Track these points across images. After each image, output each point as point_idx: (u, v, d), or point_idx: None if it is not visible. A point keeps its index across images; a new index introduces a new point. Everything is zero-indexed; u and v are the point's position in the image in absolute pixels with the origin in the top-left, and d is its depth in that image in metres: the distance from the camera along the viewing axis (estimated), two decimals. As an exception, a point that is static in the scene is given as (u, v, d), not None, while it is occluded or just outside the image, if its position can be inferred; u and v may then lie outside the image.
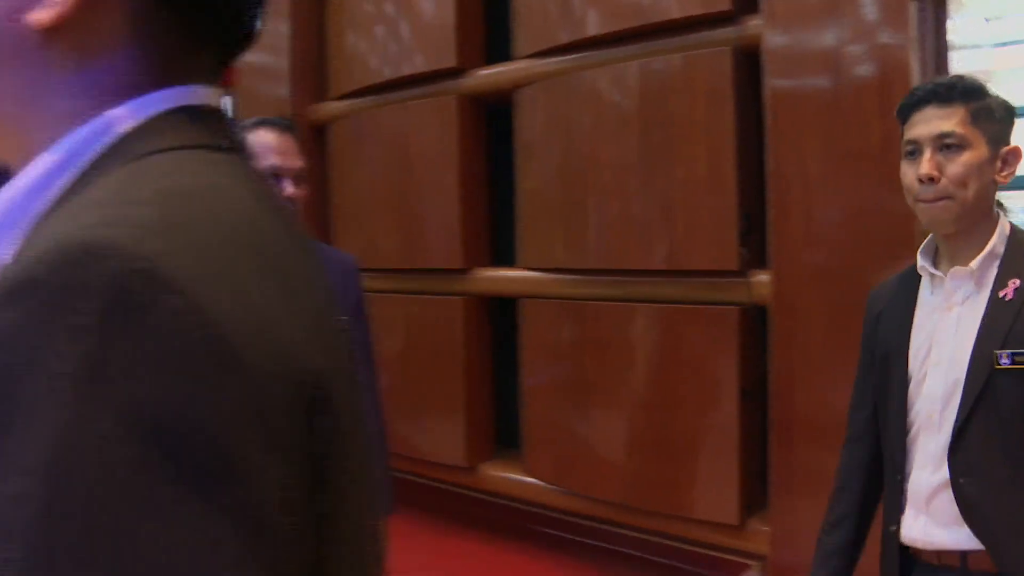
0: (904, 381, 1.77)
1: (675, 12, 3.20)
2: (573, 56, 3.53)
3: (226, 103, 0.72)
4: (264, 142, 2.23)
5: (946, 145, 1.67)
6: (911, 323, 1.78)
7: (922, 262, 1.77)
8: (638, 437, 3.35)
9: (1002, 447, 1.61)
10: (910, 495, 1.74)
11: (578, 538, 3.77)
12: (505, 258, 3.92)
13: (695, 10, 3.15)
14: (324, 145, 4.53)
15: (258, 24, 0.73)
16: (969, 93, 1.70)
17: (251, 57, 4.80)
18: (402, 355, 4.01)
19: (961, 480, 1.64)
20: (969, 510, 1.64)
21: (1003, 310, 1.64)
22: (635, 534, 3.53)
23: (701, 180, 3.12)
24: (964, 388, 1.64)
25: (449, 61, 3.92)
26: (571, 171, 3.51)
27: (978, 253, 1.70)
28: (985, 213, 1.71)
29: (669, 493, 3.27)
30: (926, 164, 1.67)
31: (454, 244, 3.91)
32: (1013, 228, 1.73)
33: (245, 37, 0.73)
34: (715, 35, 3.13)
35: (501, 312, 4.01)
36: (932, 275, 1.76)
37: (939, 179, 1.66)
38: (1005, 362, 1.60)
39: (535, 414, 3.72)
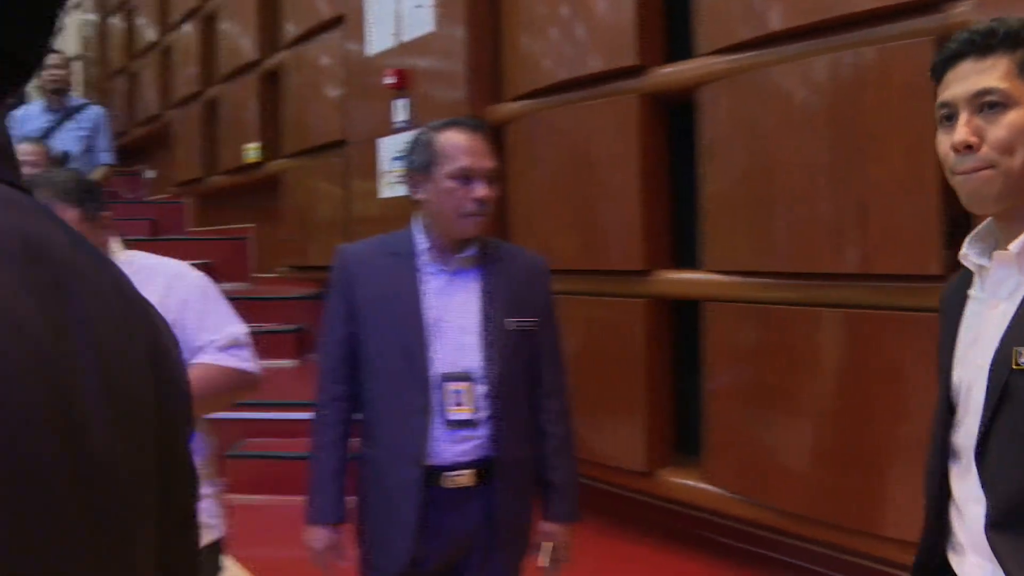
0: (945, 394, 1.50)
1: (867, 3, 3.04)
2: (758, 52, 3.42)
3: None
4: (455, 143, 2.23)
5: (987, 104, 1.36)
6: (957, 326, 1.51)
7: (966, 250, 1.48)
8: (825, 447, 3.21)
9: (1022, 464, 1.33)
10: (969, 533, 1.46)
11: (757, 549, 3.65)
12: (687, 260, 3.83)
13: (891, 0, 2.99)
14: (500, 146, 4.54)
15: (38, 56, 0.69)
16: (1015, 39, 1.39)
17: (427, 62, 4.87)
18: (579, 357, 3.97)
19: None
20: (992, 541, 1.36)
21: None
22: (818, 549, 3.39)
23: (898, 179, 2.96)
24: (986, 393, 1.36)
25: (628, 60, 3.86)
26: (757, 171, 3.40)
27: None
28: None
29: (857, 507, 3.12)
30: (962, 129, 1.37)
31: (634, 245, 3.85)
32: None
33: (19, 69, 0.69)
34: (914, 25, 2.96)
35: (682, 314, 3.92)
36: (979, 266, 1.46)
37: (979, 146, 1.36)
38: None
39: (716, 420, 3.62)
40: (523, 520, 2.35)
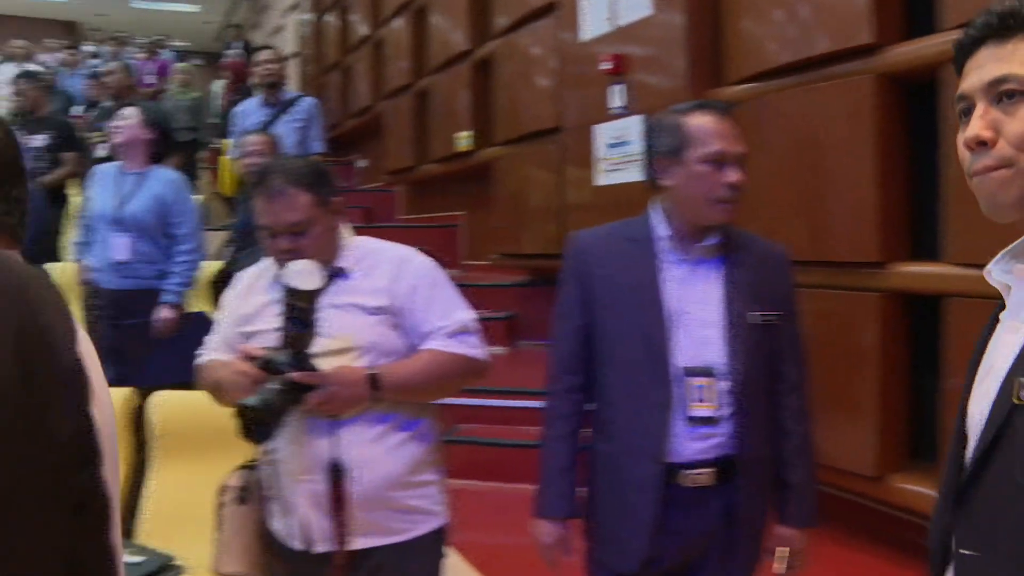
0: (960, 432, 1.27)
1: None
2: (1010, 25, 3.14)
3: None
4: (706, 126, 2.14)
5: (1005, 94, 1.14)
6: (982, 353, 1.27)
7: (991, 266, 1.25)
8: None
9: (1019, 515, 1.10)
10: None
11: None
12: (927, 251, 3.57)
13: None
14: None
15: None
16: None
17: (644, 47, 4.78)
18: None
19: (963, 551, 1.18)
20: None
21: None
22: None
23: None
24: (982, 429, 1.16)
25: (862, 38, 3.64)
26: (1009, 155, 3.12)
27: None
28: None
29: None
30: (975, 123, 1.15)
31: (868, 235, 3.62)
32: None
33: None
34: None
35: (920, 310, 3.68)
36: (1004, 285, 1.23)
37: (994, 141, 1.14)
38: None
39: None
40: (761, 522, 2.24)
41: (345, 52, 10.65)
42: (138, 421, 3.43)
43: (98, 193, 4.55)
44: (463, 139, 7.09)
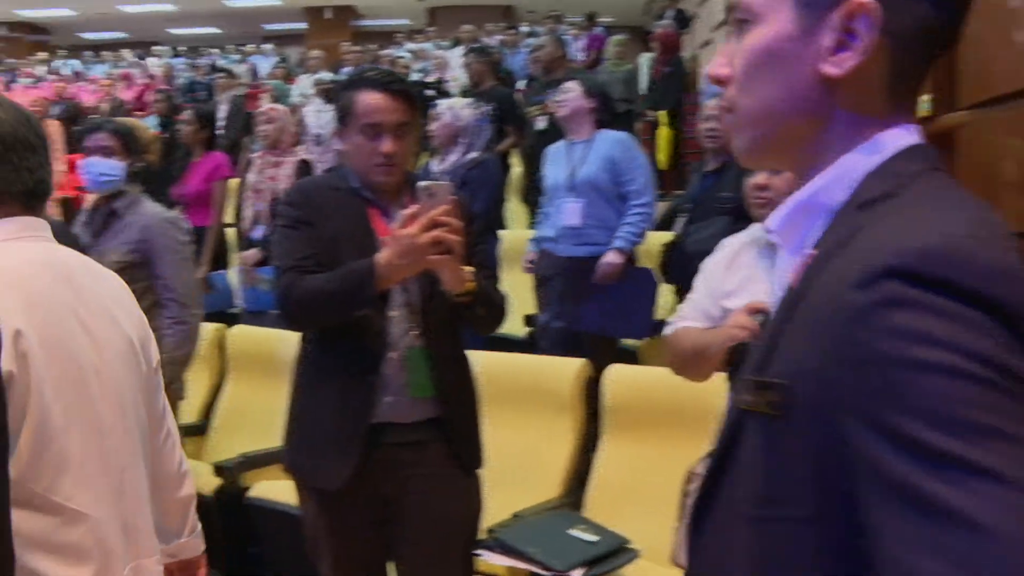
0: None
1: None
2: None
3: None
4: None
5: (738, 22, 0.94)
6: None
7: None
8: None
9: (738, 543, 0.85)
10: None
11: None
12: None
13: None
14: None
15: None
16: None
17: None
18: None
19: None
20: None
21: (782, 306, 0.87)
22: None
23: None
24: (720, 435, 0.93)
25: None
26: None
27: None
28: (814, 135, 0.89)
29: None
30: (715, 57, 0.98)
31: None
32: (891, 162, 0.85)
33: None
34: None
35: None
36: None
37: (727, 79, 0.95)
38: (746, 396, 0.85)
39: None
40: None
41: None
42: (591, 394, 3.39)
43: (551, 169, 4.63)
44: (921, 103, 6.48)
